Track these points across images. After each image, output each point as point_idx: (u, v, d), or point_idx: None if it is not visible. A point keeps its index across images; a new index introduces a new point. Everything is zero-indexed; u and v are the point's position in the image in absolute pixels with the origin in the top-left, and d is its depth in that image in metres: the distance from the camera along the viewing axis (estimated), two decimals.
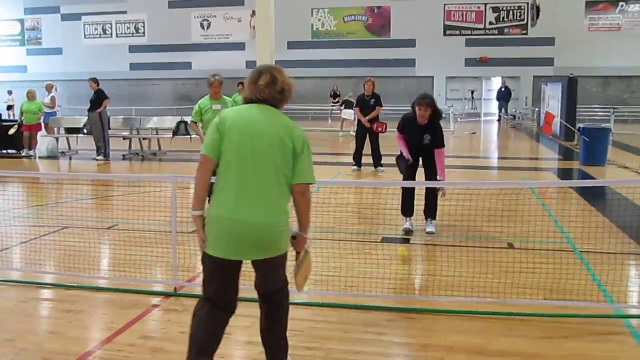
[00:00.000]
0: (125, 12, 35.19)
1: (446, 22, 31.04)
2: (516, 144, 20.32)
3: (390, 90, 29.47)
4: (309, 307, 4.80)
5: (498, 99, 29.23)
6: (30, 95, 16.12)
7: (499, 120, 28.97)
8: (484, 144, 20.73)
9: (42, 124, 16.66)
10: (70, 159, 15.90)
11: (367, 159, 12.62)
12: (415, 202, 7.33)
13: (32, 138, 15.93)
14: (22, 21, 36.79)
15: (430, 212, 7.27)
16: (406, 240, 7.00)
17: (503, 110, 28.74)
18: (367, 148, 12.60)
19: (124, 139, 15.80)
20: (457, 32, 31.01)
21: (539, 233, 6.90)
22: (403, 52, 31.54)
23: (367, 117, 12.38)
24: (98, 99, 14.99)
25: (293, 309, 3.67)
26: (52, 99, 17.89)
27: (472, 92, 31.73)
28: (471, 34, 30.93)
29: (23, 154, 15.78)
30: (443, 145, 7.05)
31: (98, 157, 14.83)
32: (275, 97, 3.34)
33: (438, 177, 6.91)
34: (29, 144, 15.84)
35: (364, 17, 32.30)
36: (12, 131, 15.74)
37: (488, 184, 7.96)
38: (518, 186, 6.84)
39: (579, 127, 13.82)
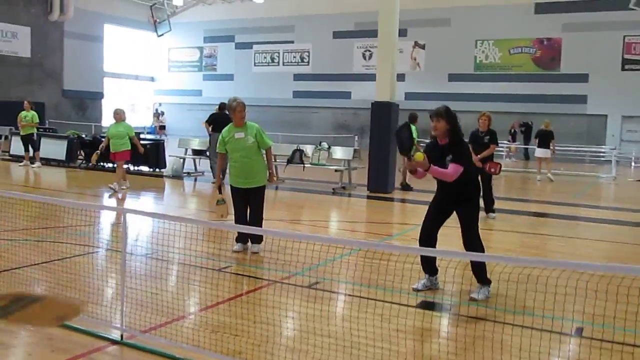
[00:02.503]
0: (292, 42, 36.32)
1: (625, 56, 27.83)
2: None
3: (558, 129, 26.77)
4: None
5: None
6: (118, 117, 13.08)
7: None
8: None
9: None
10: (195, 180, 16.20)
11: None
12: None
13: (118, 168, 13.22)
14: (201, 49, 39.51)
15: (476, 275, 5.95)
16: (429, 306, 5.76)
17: None
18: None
19: None
20: (639, 66, 27.66)
21: (630, 321, 5.20)
22: (573, 88, 28.80)
23: (479, 156, 11.00)
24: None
25: None
26: None
27: None
28: None
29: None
30: (459, 162, 5.79)
31: (213, 181, 14.92)
32: None
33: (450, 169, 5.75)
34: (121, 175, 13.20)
35: (531, 50, 30.09)
36: (94, 158, 14.07)
37: (551, 264, 6.27)
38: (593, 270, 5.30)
39: None
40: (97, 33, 36.46)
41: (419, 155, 5.59)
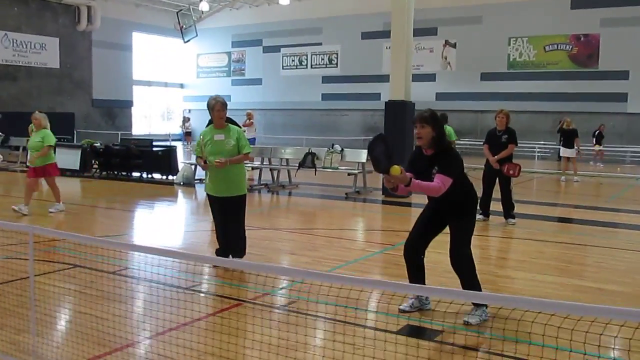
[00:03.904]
0: (320, 44, 35.68)
1: None
2: None
3: (596, 128, 25.74)
4: None
5: None
6: (37, 123, 10.49)
7: None
8: None
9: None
10: None
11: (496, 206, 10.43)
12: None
13: (28, 188, 10.41)
14: (229, 54, 39.23)
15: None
16: (413, 332, 4.98)
17: None
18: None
19: (252, 169, 15.18)
20: None
21: None
22: (613, 86, 27.39)
23: (496, 157, 10.17)
24: None
25: None
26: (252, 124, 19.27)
27: None
28: None
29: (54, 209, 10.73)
30: (447, 174, 4.96)
31: None
32: None
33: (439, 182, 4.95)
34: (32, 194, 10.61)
35: (568, 46, 28.77)
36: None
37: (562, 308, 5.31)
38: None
39: None
40: (125, 41, 36.55)
41: (395, 169, 4.74)
